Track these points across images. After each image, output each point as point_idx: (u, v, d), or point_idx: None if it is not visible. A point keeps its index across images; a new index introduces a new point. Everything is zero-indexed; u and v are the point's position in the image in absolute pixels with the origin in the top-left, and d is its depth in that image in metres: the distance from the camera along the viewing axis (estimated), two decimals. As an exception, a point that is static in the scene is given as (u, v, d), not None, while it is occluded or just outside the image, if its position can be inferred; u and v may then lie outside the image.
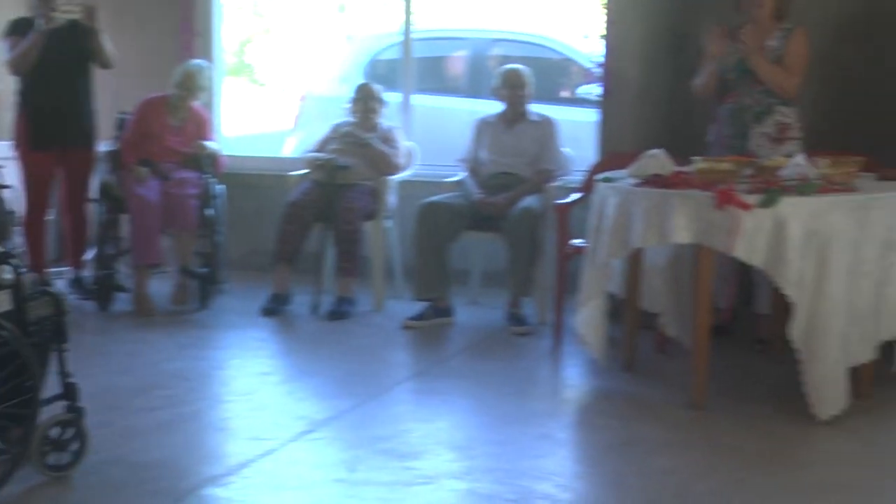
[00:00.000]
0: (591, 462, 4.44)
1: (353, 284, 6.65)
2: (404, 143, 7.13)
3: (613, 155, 6.23)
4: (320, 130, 7.26)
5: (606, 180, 5.18)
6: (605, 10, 6.54)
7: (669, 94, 6.37)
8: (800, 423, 4.63)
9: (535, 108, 6.80)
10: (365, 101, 7.04)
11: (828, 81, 6.28)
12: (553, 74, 8.92)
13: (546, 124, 6.71)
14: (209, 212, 6.85)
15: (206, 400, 5.12)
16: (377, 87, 7.13)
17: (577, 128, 7.46)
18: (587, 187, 6.14)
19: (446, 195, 6.59)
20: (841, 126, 6.24)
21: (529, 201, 6.34)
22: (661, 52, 6.47)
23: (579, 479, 4.17)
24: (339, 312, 6.50)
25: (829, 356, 4.60)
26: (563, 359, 5.80)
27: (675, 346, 5.61)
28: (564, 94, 8.93)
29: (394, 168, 6.92)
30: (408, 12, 7.63)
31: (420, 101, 7.92)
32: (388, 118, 7.19)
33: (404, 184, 7.10)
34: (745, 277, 5.81)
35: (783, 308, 5.01)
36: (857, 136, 6.13)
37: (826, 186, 4.75)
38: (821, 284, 4.58)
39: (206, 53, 7.81)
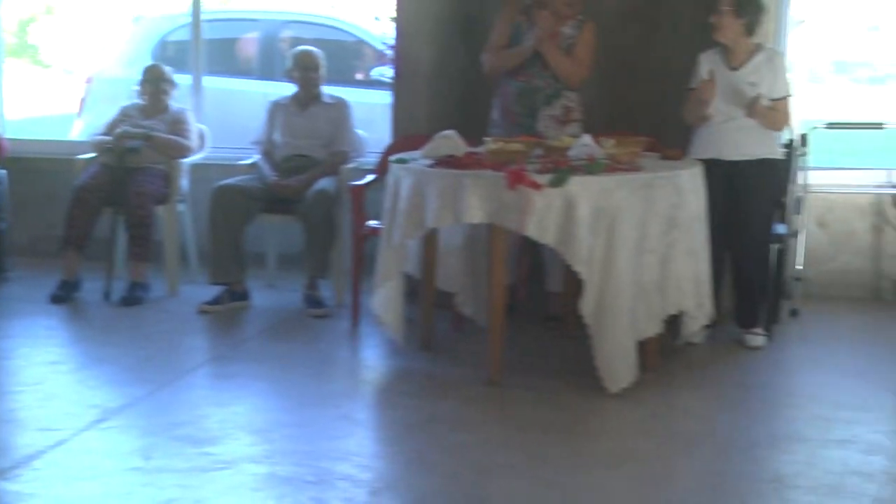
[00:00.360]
0: (390, 441, 4.48)
1: (146, 270, 6.52)
2: (195, 125, 7.01)
3: (407, 136, 6.28)
4: (108, 113, 7.07)
5: (400, 161, 5.22)
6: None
7: (462, 76, 6.45)
8: (591, 397, 4.77)
9: (329, 91, 6.79)
10: (154, 83, 6.90)
11: (613, 66, 6.46)
12: (346, 56, 8.91)
13: (339, 106, 6.71)
14: (-10, 198, 6.62)
15: (-8, 392, 4.95)
16: (166, 69, 7.00)
17: (371, 110, 7.49)
18: (381, 169, 6.18)
19: (240, 178, 6.51)
20: (626, 109, 6.44)
21: (324, 183, 6.33)
22: (452, 34, 6.53)
23: (379, 459, 4.21)
24: (132, 298, 6.37)
25: (618, 331, 4.74)
26: (362, 340, 5.82)
27: (471, 324, 5.70)
28: (358, 76, 8.94)
29: (183, 152, 6.80)
30: (196, -8, 7.49)
31: (212, 83, 7.80)
32: (178, 100, 7.06)
33: (197, 167, 6.99)
34: (536, 256, 5.94)
35: (575, 285, 5.16)
36: (642, 118, 6.33)
37: (612, 166, 4.90)
38: (609, 261, 4.71)
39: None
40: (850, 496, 3.77)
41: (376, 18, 7.01)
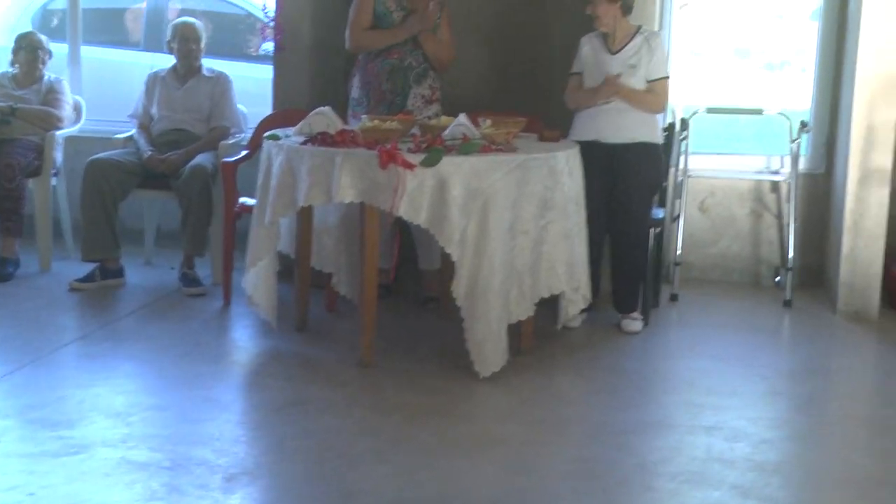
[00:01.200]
0: (254, 425, 4.37)
1: (16, 245, 6.33)
2: (70, 96, 6.81)
3: (282, 112, 6.18)
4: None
5: (272, 138, 5.10)
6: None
7: (343, 51, 6.33)
8: (462, 380, 4.71)
9: (219, 65, 6.63)
10: (27, 51, 6.68)
11: (492, 45, 6.42)
12: (238, 30, 8.75)
13: (220, 80, 6.56)
14: None
15: None
16: (41, 37, 6.77)
17: (261, 85, 7.34)
18: (254, 145, 6.08)
19: (115, 152, 6.34)
20: (506, 88, 6.40)
21: (202, 159, 6.18)
22: (332, 8, 6.43)
23: (240, 444, 4.08)
24: (1, 274, 6.18)
25: (490, 314, 4.68)
26: (234, 320, 5.71)
27: (347, 305, 5.63)
28: (250, 51, 8.78)
29: (55, 123, 6.59)
30: (76, -41, 7.27)
31: (94, 53, 7.60)
32: (57, 70, 6.85)
33: (72, 139, 6.80)
34: (409, 235, 5.88)
35: (450, 265, 5.10)
36: (523, 97, 6.31)
37: (487, 146, 4.83)
38: (482, 243, 4.65)
39: None
40: (710, 484, 3.76)
41: (265, -10, 6.88)
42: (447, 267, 5.45)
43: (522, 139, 5.18)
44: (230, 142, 6.39)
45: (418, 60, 5.81)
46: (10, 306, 5.74)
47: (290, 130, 5.19)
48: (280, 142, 5.01)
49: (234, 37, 8.60)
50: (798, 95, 7.84)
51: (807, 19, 9.28)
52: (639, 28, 5.65)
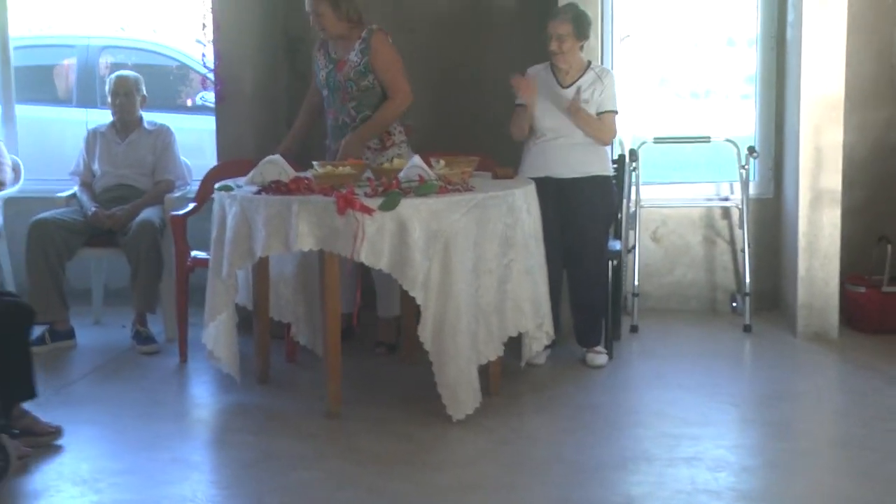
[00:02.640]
0: (226, 483, 4.24)
1: (-40, 312, 6.15)
2: (8, 157, 6.66)
3: (228, 161, 6.10)
4: None
5: (225, 189, 5.01)
6: (212, 16, 6.34)
7: (287, 98, 6.29)
8: (434, 425, 4.64)
9: (154, 117, 6.53)
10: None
11: (434, 81, 6.40)
12: (170, 82, 8.66)
13: (162, 133, 6.45)
14: None
15: None
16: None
17: (198, 136, 7.25)
18: (202, 196, 6.00)
19: (59, 211, 6.21)
20: (451, 125, 6.38)
21: (148, 213, 6.07)
22: (275, 56, 6.37)
23: (215, 503, 3.98)
24: (-55, 343, 6.00)
25: (459, 356, 4.61)
26: (192, 376, 5.58)
27: (306, 354, 5.54)
28: (183, 101, 8.69)
29: (-3, 187, 6.46)
30: (2, 17, 7.12)
31: (26, 112, 7.46)
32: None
33: (11, 201, 6.65)
34: (366, 281, 5.81)
35: (410, 310, 5.03)
36: (468, 134, 6.29)
37: (444, 187, 4.78)
38: (446, 284, 4.59)
39: None
40: (699, 516, 3.72)
41: (198, 41, 6.80)
42: (408, 312, 5.42)
43: (477, 178, 5.14)
44: (176, 195, 6.28)
45: (350, 115, 5.72)
46: (-41, 375, 5.56)
47: (241, 180, 5.10)
48: (233, 192, 4.92)
49: (165, 88, 8.50)
50: (735, 122, 7.91)
51: (724, 46, 9.39)
52: (589, 63, 5.65)
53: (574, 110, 5.47)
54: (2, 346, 4.35)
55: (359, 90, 5.68)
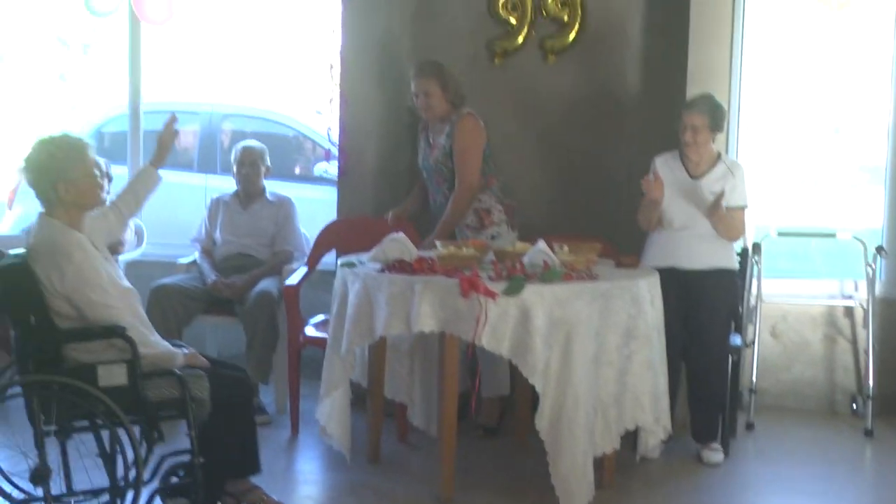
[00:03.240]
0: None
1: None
2: (132, 220, 6.75)
3: (342, 221, 6.31)
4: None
5: (348, 265, 5.01)
6: (339, 89, 6.42)
7: (409, 173, 6.31)
8: (547, 516, 4.56)
9: (273, 187, 6.59)
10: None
11: (556, 166, 6.37)
12: (287, 151, 8.76)
13: (283, 204, 6.51)
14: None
15: None
16: (102, 160, 6.72)
17: (314, 206, 7.30)
18: (312, 260, 6.13)
19: (179, 277, 6.29)
20: (572, 210, 6.33)
21: (267, 284, 6.11)
22: (398, 133, 6.41)
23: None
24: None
25: (576, 447, 4.53)
26: (303, 450, 5.58)
27: (418, 434, 5.49)
28: (298, 170, 8.78)
29: (117, 247, 6.51)
30: (135, 82, 7.27)
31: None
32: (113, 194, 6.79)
33: (133, 264, 6.73)
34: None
35: (523, 396, 5.00)
36: (589, 219, 6.23)
37: (568, 274, 4.73)
38: (566, 374, 4.53)
39: None
40: None
41: (318, 112, 6.87)
42: (522, 397, 5.37)
43: (601, 265, 5.08)
44: (294, 266, 6.31)
45: (445, 195, 5.79)
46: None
47: (364, 257, 5.10)
48: (356, 269, 4.92)
49: (282, 157, 8.60)
50: (864, 211, 7.71)
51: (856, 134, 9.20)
52: (719, 154, 5.59)
53: (717, 214, 5.41)
54: (229, 419, 4.34)
55: (449, 172, 5.74)
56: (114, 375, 4.08)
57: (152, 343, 4.24)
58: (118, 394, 4.05)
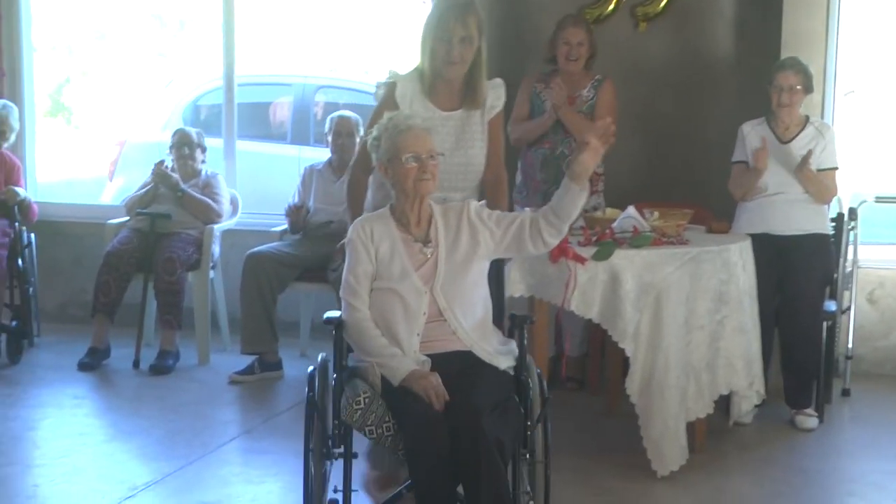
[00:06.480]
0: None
1: (176, 337, 6.38)
2: (227, 191, 6.87)
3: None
4: (141, 177, 6.93)
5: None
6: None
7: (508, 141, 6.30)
8: (638, 480, 4.57)
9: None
10: (182, 147, 6.77)
11: (647, 132, 6.34)
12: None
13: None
14: (19, 262, 6.51)
15: (15, 465, 4.77)
16: (196, 133, 6.85)
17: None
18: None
19: (273, 244, 6.39)
20: (664, 177, 6.30)
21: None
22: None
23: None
24: (162, 367, 6.22)
25: (667, 411, 4.54)
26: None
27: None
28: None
29: (213, 216, 6.65)
30: (229, 56, 7.38)
31: (244, 147, 7.69)
32: (209, 165, 6.93)
33: (228, 233, 6.86)
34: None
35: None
36: (681, 186, 6.20)
37: (658, 239, 4.73)
38: (656, 338, 4.54)
39: (15, 94, 7.41)
40: None
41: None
42: (612, 360, 5.38)
43: (692, 231, 5.05)
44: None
45: (571, 148, 5.63)
46: (173, 399, 5.74)
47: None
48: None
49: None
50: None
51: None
52: (807, 118, 5.53)
53: (805, 172, 5.35)
54: None
55: None
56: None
57: None
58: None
